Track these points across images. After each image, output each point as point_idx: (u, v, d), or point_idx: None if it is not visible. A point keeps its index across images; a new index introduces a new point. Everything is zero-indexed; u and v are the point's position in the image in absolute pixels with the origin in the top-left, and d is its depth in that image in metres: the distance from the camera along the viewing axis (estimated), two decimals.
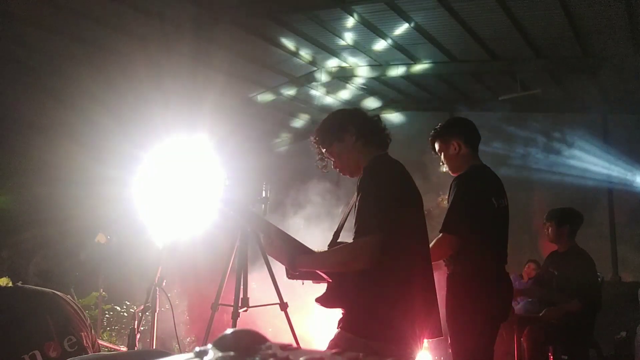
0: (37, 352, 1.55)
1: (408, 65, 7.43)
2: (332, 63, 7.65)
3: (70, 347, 1.61)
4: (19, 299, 1.67)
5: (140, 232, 3.91)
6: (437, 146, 3.16)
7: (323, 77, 7.88)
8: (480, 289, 2.88)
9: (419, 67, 7.43)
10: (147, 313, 2.99)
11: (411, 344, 2.09)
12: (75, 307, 1.74)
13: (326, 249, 2.29)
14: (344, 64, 7.63)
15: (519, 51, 6.61)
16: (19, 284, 1.73)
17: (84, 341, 1.65)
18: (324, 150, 2.39)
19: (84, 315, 1.74)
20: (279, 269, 2.55)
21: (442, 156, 3.13)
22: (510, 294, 3.06)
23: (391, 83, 8.32)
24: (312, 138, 2.40)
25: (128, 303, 5.50)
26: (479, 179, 2.98)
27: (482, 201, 2.89)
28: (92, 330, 1.75)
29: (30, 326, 1.60)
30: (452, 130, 3.11)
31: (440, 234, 2.86)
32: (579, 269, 4.39)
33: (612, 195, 8.04)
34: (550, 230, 4.53)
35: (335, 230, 2.39)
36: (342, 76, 8.00)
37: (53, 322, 1.62)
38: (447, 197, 3.01)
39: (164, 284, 3.17)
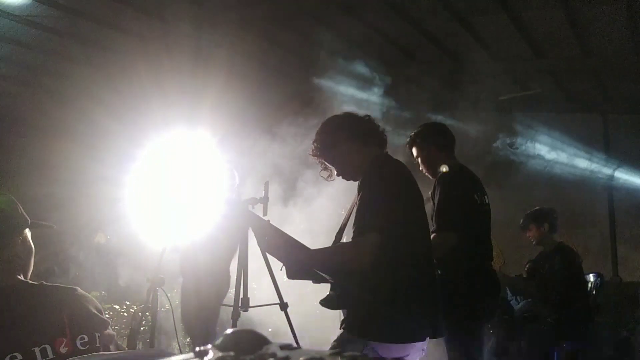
0: (47, 346, 1.56)
1: None
2: None
3: (82, 345, 1.62)
4: (39, 294, 1.69)
5: (140, 231, 3.90)
6: (414, 152, 3.28)
7: None
8: (467, 287, 2.91)
9: None
10: (147, 313, 2.98)
11: (415, 344, 2.09)
12: (96, 307, 1.75)
13: None
14: None
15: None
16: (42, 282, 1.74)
17: (97, 342, 1.66)
18: (323, 161, 2.40)
19: (104, 316, 1.75)
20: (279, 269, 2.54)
21: (420, 161, 3.25)
22: (496, 290, 3.12)
23: None
24: (309, 152, 2.41)
25: (128, 303, 5.48)
26: (460, 177, 3.10)
27: (466, 198, 3.00)
28: (111, 331, 1.75)
29: (45, 321, 1.61)
30: (428, 136, 3.24)
31: (436, 233, 2.88)
32: (559, 265, 4.49)
33: (613, 194, 8.02)
34: (532, 233, 4.63)
35: (337, 230, 2.39)
36: None
37: (68, 320, 1.63)
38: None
39: (164, 284, 3.17)
